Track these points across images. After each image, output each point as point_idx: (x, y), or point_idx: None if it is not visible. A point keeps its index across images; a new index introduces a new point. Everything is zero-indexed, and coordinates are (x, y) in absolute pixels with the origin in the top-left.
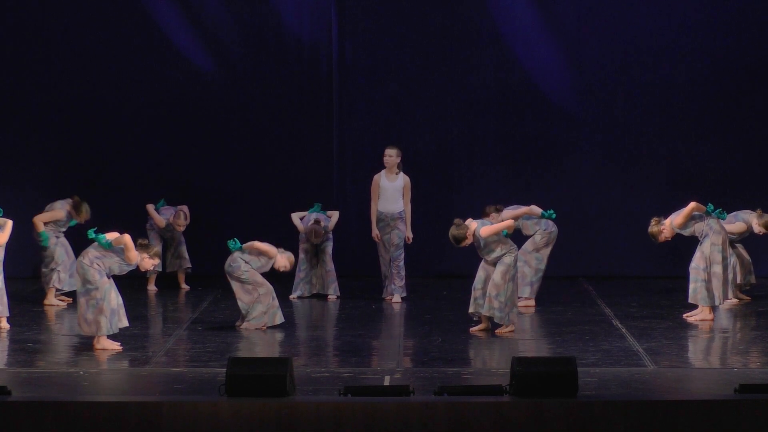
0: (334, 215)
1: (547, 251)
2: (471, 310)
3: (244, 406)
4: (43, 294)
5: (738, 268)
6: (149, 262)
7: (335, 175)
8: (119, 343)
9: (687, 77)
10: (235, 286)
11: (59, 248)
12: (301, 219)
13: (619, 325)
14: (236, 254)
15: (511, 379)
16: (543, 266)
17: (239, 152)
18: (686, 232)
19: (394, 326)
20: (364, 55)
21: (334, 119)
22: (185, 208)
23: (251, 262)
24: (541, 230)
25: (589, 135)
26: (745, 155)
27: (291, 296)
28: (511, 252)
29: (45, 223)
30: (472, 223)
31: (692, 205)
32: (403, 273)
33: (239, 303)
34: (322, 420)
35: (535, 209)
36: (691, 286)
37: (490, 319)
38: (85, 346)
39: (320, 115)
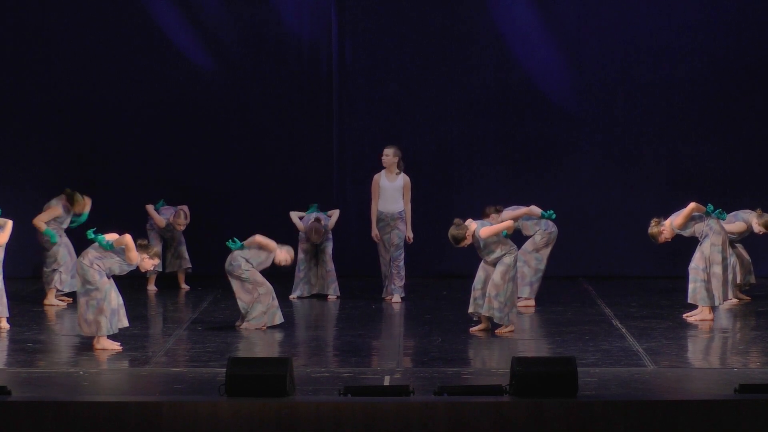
0: (335, 214)
1: (546, 251)
2: (470, 310)
3: (244, 406)
4: (43, 294)
5: (738, 268)
6: (149, 263)
7: (335, 175)
8: (119, 343)
9: (687, 77)
10: (235, 285)
11: (62, 249)
12: (301, 219)
13: (619, 325)
14: (236, 253)
15: (511, 379)
16: (542, 266)
17: (239, 152)
18: (686, 233)
19: (394, 326)
20: (364, 55)
21: (334, 119)
22: (185, 207)
23: (252, 259)
24: (541, 230)
25: (589, 135)
26: (745, 155)
27: (291, 296)
28: (510, 252)
29: (46, 223)
30: (472, 224)
31: (692, 205)
32: (403, 273)
33: (239, 302)
34: (322, 420)
35: (535, 210)
36: (691, 286)
37: (489, 319)
38: (85, 346)
39: (320, 115)
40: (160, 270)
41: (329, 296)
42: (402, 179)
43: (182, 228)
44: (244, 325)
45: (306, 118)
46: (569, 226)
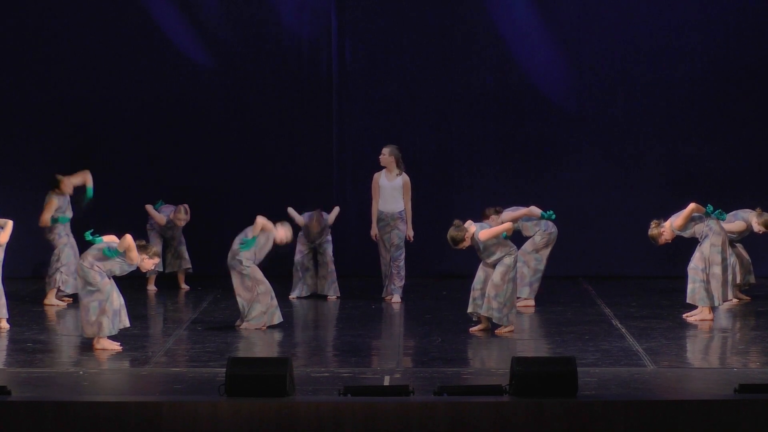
0: (334, 210)
1: (546, 252)
2: (469, 310)
3: (244, 406)
4: (43, 294)
5: (738, 268)
6: (149, 262)
7: (335, 175)
8: (119, 343)
9: (687, 77)
10: (236, 281)
11: (67, 248)
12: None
13: (619, 325)
14: (242, 251)
15: (511, 379)
16: (542, 267)
17: (239, 152)
18: (686, 234)
19: (394, 326)
20: (364, 55)
21: (334, 119)
22: (185, 205)
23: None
24: (541, 231)
25: (589, 135)
26: (745, 155)
27: (290, 296)
28: (510, 254)
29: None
30: (471, 226)
31: (692, 206)
32: (403, 273)
33: (238, 299)
34: (322, 420)
35: (535, 210)
36: (690, 286)
37: (489, 319)
38: (85, 346)
39: (320, 115)
40: (160, 270)
41: (329, 296)
42: (401, 179)
43: (183, 223)
44: (244, 325)
45: (306, 118)
46: (569, 227)
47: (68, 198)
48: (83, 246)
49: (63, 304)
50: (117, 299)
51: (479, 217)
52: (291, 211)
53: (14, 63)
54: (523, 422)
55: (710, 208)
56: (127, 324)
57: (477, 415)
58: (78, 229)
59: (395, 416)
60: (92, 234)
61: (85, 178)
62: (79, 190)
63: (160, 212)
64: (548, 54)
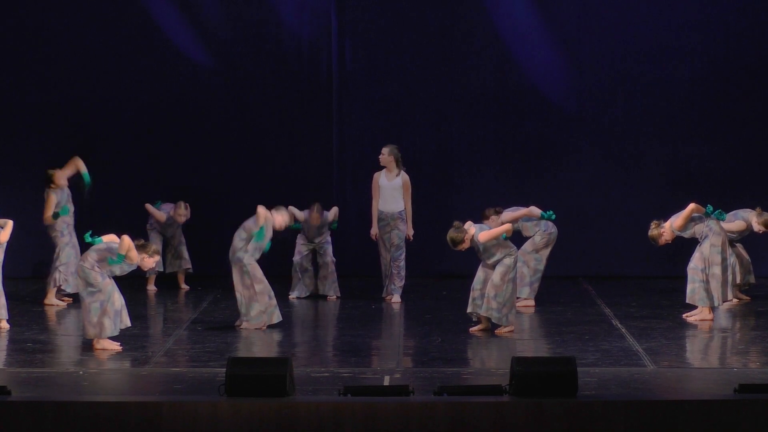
0: (333, 210)
1: (546, 252)
2: (469, 310)
3: (244, 406)
4: (43, 294)
5: (737, 268)
6: (150, 261)
7: (335, 175)
8: (119, 344)
9: (687, 77)
10: (236, 276)
11: (68, 248)
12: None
13: (619, 325)
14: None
15: (511, 379)
16: (542, 267)
17: (239, 152)
18: (686, 234)
19: (394, 326)
20: (364, 55)
21: (334, 119)
22: (185, 201)
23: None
24: (541, 231)
25: (589, 135)
26: (745, 155)
27: (290, 296)
28: (510, 254)
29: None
30: (471, 228)
31: (691, 206)
32: (403, 273)
33: (237, 295)
34: (322, 420)
35: (535, 210)
36: (689, 286)
37: (489, 319)
38: (85, 346)
39: (320, 115)
40: (161, 270)
41: (329, 296)
42: (401, 178)
43: (183, 219)
44: (244, 324)
45: (306, 118)
46: (569, 227)
47: (67, 191)
48: (84, 247)
49: (63, 304)
50: (118, 299)
51: (479, 217)
52: (292, 209)
53: (14, 63)
54: (523, 422)
55: (710, 208)
56: (128, 323)
57: (477, 415)
58: (79, 229)
59: (395, 416)
60: (91, 236)
61: (77, 166)
62: (76, 179)
63: (160, 210)
64: (548, 54)
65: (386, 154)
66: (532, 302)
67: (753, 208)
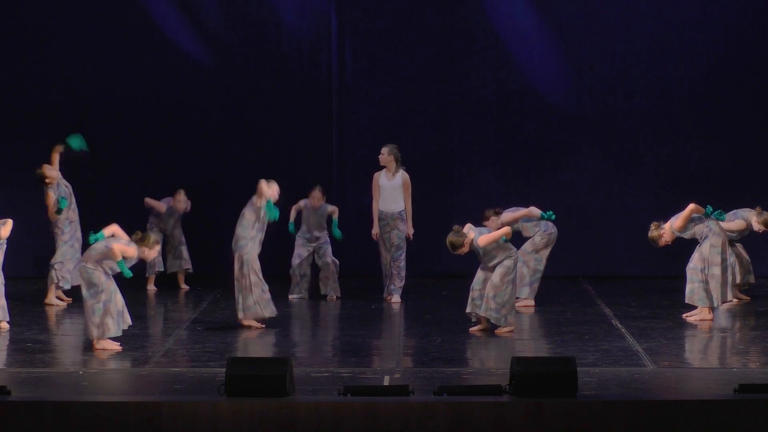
0: (334, 210)
1: (546, 252)
2: (468, 310)
3: (244, 406)
4: (43, 294)
5: (737, 268)
6: (151, 253)
7: (335, 175)
8: (119, 344)
9: (687, 77)
10: (236, 264)
11: (65, 247)
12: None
13: (619, 325)
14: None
15: (511, 379)
16: (542, 267)
17: (239, 152)
18: (686, 235)
19: (394, 326)
20: (364, 55)
21: (334, 119)
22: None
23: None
24: (541, 232)
25: (589, 135)
26: (745, 155)
27: (290, 296)
28: (511, 256)
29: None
30: (470, 232)
31: (691, 206)
32: (403, 273)
33: (235, 283)
34: (322, 420)
35: (535, 211)
36: (689, 286)
37: (488, 319)
38: (85, 346)
39: (320, 115)
40: (161, 270)
41: (329, 296)
42: (400, 177)
43: (183, 206)
44: (241, 315)
45: (306, 118)
46: (569, 227)
47: (65, 186)
48: (87, 245)
49: (63, 303)
50: (120, 299)
51: (479, 218)
52: (293, 208)
53: (14, 63)
54: (523, 422)
55: (710, 208)
56: (130, 322)
57: (477, 415)
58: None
59: (395, 416)
60: (94, 232)
61: (58, 150)
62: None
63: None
64: (548, 54)
65: (386, 154)
66: (531, 302)
67: (753, 207)
